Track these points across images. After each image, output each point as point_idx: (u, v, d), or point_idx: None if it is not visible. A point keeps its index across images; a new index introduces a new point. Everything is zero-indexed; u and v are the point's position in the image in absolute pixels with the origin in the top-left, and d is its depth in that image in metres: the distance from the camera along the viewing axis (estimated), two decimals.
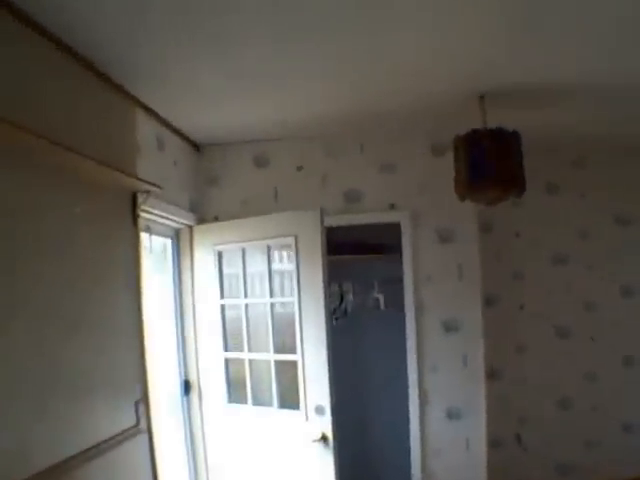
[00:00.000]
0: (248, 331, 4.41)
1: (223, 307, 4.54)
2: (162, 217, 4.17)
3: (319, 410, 4.00)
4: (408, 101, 4.10)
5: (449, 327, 4.69)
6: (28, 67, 2.63)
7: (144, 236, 3.89)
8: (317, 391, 4.02)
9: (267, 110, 4.20)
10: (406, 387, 4.77)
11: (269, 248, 4.30)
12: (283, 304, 4.45)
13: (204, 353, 4.61)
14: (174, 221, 4.42)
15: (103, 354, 3.14)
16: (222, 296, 4.54)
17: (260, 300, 4.47)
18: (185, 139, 4.65)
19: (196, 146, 4.87)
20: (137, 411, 3.44)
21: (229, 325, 4.55)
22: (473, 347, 4.67)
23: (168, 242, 4.63)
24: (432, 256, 4.71)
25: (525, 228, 5.53)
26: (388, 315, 5.48)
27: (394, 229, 4.76)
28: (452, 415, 4.69)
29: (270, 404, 4.31)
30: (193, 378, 4.64)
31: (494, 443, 4.95)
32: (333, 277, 4.10)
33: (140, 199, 3.60)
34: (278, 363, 4.27)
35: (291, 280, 4.22)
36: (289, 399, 4.23)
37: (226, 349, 4.53)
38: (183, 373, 4.64)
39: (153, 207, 3.85)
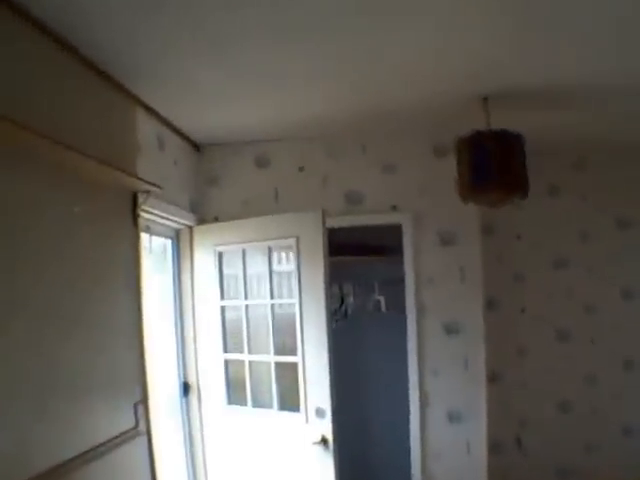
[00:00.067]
0: (248, 332, 4.39)
1: (223, 308, 4.52)
2: (162, 217, 4.15)
3: (319, 412, 3.97)
4: (410, 102, 4.08)
5: (450, 330, 4.67)
6: (28, 65, 2.61)
7: (144, 236, 3.87)
8: (317, 393, 3.99)
9: (268, 110, 4.18)
10: (406, 390, 4.74)
11: (270, 249, 4.28)
12: (283, 305, 4.41)
13: (203, 354, 4.59)
14: (174, 221, 4.40)
15: (103, 355, 3.12)
16: (222, 297, 4.52)
17: (260, 301, 4.44)
18: (185, 139, 4.63)
19: (196, 146, 4.85)
20: (136, 413, 3.41)
21: (229, 326, 4.53)
22: (474, 350, 4.65)
23: (168, 242, 4.60)
24: (434, 258, 4.69)
25: (526, 231, 5.50)
26: (389, 317, 5.46)
27: (395, 231, 4.73)
28: (453, 418, 4.67)
29: (270, 406, 4.29)
30: (192, 379, 4.62)
31: (494, 446, 4.92)
32: (333, 278, 4.09)
33: (140, 199, 3.58)
34: (278, 365, 4.25)
35: (292, 281, 4.20)
36: (289, 401, 4.21)
37: (226, 350, 4.50)
38: (182, 374, 4.61)
39: (153, 207, 3.82)
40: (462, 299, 4.67)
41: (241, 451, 4.42)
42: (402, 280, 4.76)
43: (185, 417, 4.61)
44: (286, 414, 4.23)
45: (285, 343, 4.26)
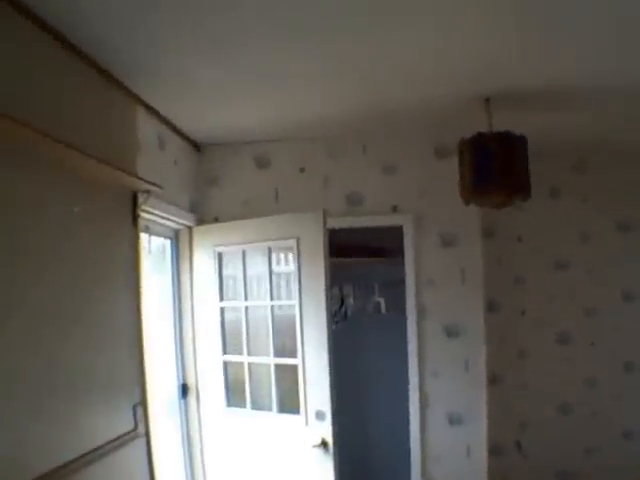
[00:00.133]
0: (248, 334, 4.36)
1: (222, 309, 4.50)
2: (162, 217, 4.13)
3: (319, 415, 3.95)
4: (411, 102, 4.06)
5: (451, 332, 4.65)
6: (28, 63, 2.58)
7: (143, 236, 3.84)
8: (317, 396, 3.97)
9: (268, 110, 4.17)
10: (407, 391, 4.72)
11: (270, 250, 4.26)
12: (283, 307, 4.39)
13: (203, 356, 4.57)
14: (174, 221, 4.38)
15: (101, 356, 3.10)
16: (222, 298, 4.50)
17: (260, 303, 4.41)
18: (186, 139, 4.60)
19: (196, 146, 4.82)
20: (135, 415, 3.39)
21: (228, 328, 4.50)
22: (475, 352, 4.63)
23: (167, 243, 4.58)
24: (434, 260, 4.67)
25: (527, 233, 5.48)
26: (389, 319, 5.45)
27: (396, 232, 4.71)
28: (453, 420, 4.65)
29: (269, 408, 4.27)
30: (191, 381, 4.59)
31: (494, 449, 4.90)
32: (333, 280, 4.06)
33: (140, 199, 3.55)
34: (278, 367, 4.23)
35: (292, 283, 4.18)
36: (289, 404, 4.19)
37: (225, 352, 4.48)
38: (181, 376, 4.58)
39: (153, 207, 3.80)
40: (463, 301, 4.64)
41: (240, 454, 4.39)
42: (402, 282, 4.74)
43: (184, 419, 4.59)
44: (286, 417, 4.20)
45: (285, 345, 4.23)
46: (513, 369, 5.46)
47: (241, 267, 4.38)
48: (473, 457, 4.63)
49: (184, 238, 4.60)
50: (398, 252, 4.77)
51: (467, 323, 4.64)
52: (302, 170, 4.79)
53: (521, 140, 3.72)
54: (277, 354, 4.22)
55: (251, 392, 4.36)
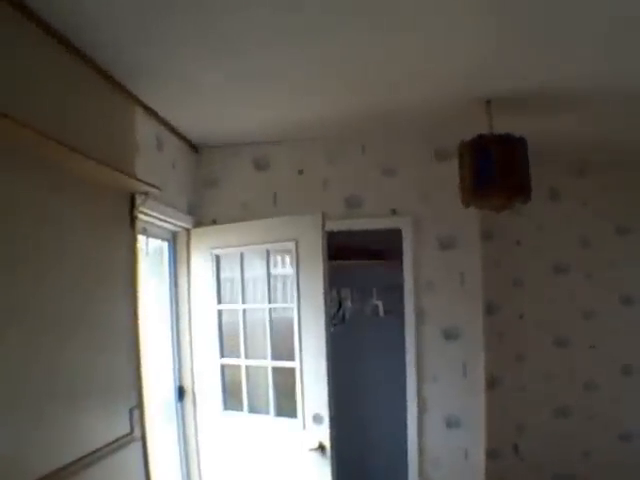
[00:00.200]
0: (245, 337, 4.34)
1: (220, 312, 4.48)
2: (159, 219, 4.11)
3: (317, 419, 3.93)
4: (411, 105, 4.05)
5: (449, 335, 4.62)
6: (27, 63, 2.57)
7: (140, 238, 3.82)
8: (315, 399, 3.95)
9: (267, 112, 4.15)
10: (404, 395, 4.70)
11: (268, 252, 4.24)
12: (281, 310, 4.36)
13: (199, 359, 4.55)
14: (171, 224, 4.36)
15: (99, 359, 3.08)
16: (219, 301, 4.48)
17: (258, 306, 4.39)
18: (184, 140, 4.58)
19: (195, 147, 4.80)
20: (131, 418, 3.37)
21: (226, 330, 4.48)
22: (473, 356, 4.61)
23: (165, 245, 4.55)
24: (433, 263, 4.64)
25: (526, 236, 5.49)
26: (387, 322, 5.44)
27: (395, 235, 4.69)
28: (451, 424, 4.62)
29: (266, 412, 4.25)
30: (188, 384, 4.56)
31: (492, 452, 4.88)
32: (331, 282, 4.04)
33: (138, 200, 3.53)
34: (275, 370, 4.21)
35: (290, 286, 4.16)
36: (286, 407, 4.17)
37: (222, 355, 4.46)
38: (178, 379, 4.56)
39: (151, 209, 3.78)
40: (461, 304, 4.62)
41: (237, 457, 4.36)
42: (400, 285, 4.72)
43: (180, 422, 4.56)
44: (283, 420, 4.18)
45: (282, 348, 4.20)
46: (511, 372, 5.45)
47: (239, 270, 4.36)
48: (471, 460, 4.60)
49: (182, 240, 4.58)
50: (396, 255, 4.75)
51: (465, 326, 4.62)
52: (301, 172, 4.77)
53: (521, 142, 3.71)
54: (274, 357, 4.20)
55: (248, 395, 4.34)
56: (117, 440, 3.17)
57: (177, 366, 4.55)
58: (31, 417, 2.48)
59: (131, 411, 3.37)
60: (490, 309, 5.20)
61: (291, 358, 4.09)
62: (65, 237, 2.84)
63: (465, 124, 3.83)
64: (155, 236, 4.32)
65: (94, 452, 2.91)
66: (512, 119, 3.85)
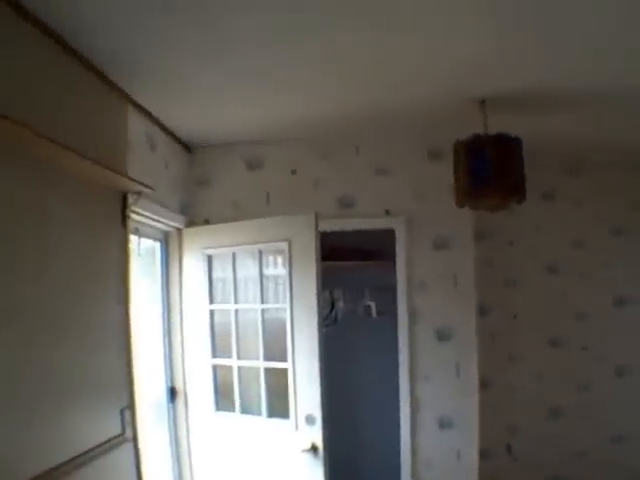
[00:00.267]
0: (237, 337, 4.32)
1: (212, 312, 4.46)
2: (152, 219, 4.09)
3: (309, 420, 3.92)
4: (405, 104, 4.03)
5: (442, 336, 4.62)
6: (18, 61, 2.53)
7: (133, 239, 3.79)
8: (308, 400, 3.94)
9: (260, 112, 4.14)
10: (397, 395, 4.69)
11: (260, 253, 4.22)
12: (273, 310, 4.34)
13: (191, 359, 4.53)
14: (163, 223, 4.33)
15: (90, 359, 3.05)
16: (211, 301, 4.46)
17: (250, 306, 4.37)
18: (177, 140, 4.56)
19: (187, 147, 4.78)
20: (123, 419, 3.34)
21: (218, 331, 4.46)
22: (466, 356, 4.61)
23: (157, 245, 4.53)
24: (426, 263, 4.64)
25: (519, 236, 5.48)
26: (380, 323, 5.43)
27: (387, 235, 4.68)
28: (444, 425, 4.62)
29: (259, 413, 4.24)
30: (179, 385, 4.54)
31: (485, 452, 4.87)
32: (324, 283, 4.03)
33: (130, 200, 3.50)
34: (268, 371, 4.19)
35: (283, 286, 4.14)
36: (278, 408, 4.15)
37: (214, 355, 4.44)
38: (169, 379, 4.53)
39: (143, 208, 3.76)
40: (454, 305, 4.62)
41: (229, 458, 4.35)
42: (393, 285, 4.71)
43: (172, 423, 4.54)
44: (275, 421, 4.17)
45: (275, 349, 4.18)
46: (504, 373, 5.44)
47: (231, 270, 4.35)
48: (463, 461, 4.60)
49: (174, 240, 4.56)
50: (389, 256, 4.74)
51: (458, 327, 4.62)
52: (294, 172, 4.76)
53: (516, 142, 3.70)
54: (267, 358, 4.18)
55: (240, 396, 4.32)
56: (109, 441, 3.14)
57: (169, 366, 4.53)
58: (22, 417, 2.46)
59: (122, 412, 3.34)
60: (483, 310, 5.18)
61: (283, 359, 4.07)
62: (57, 236, 2.81)
63: (459, 124, 3.82)
64: (147, 236, 4.30)
65: (86, 453, 2.89)
66: (507, 119, 3.84)
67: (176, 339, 4.53)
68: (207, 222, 4.71)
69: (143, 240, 4.30)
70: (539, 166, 4.64)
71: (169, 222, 4.35)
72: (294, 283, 4.01)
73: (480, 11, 2.72)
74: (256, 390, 4.24)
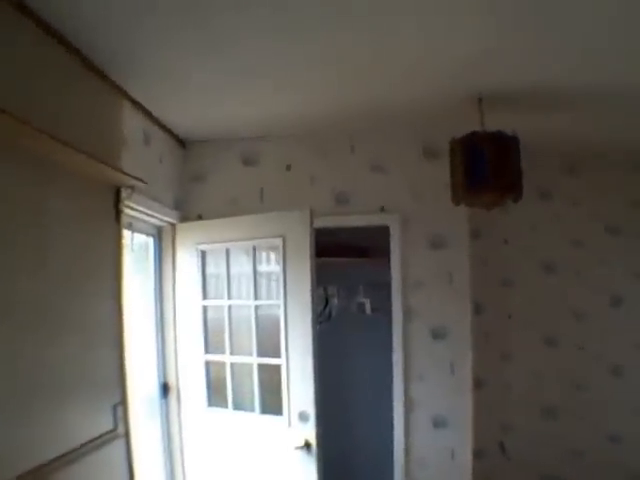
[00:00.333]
0: (230, 333, 4.31)
1: (205, 308, 4.44)
2: (145, 214, 4.07)
3: (303, 416, 3.90)
4: (402, 102, 4.03)
5: (437, 334, 4.60)
6: (12, 54, 2.52)
7: (126, 234, 3.77)
8: (301, 397, 3.92)
9: (255, 107, 4.13)
10: (391, 394, 4.67)
11: (254, 249, 4.20)
12: (267, 306, 4.32)
13: (184, 355, 4.51)
14: (157, 218, 4.31)
15: (83, 354, 3.04)
16: (204, 297, 4.44)
17: (244, 302, 4.36)
18: (171, 135, 4.54)
19: (182, 142, 4.76)
20: (115, 415, 3.32)
21: (211, 326, 4.45)
22: (461, 355, 4.59)
23: (150, 240, 4.51)
24: (421, 261, 4.62)
25: (514, 235, 5.46)
26: (374, 320, 5.42)
27: (382, 232, 4.66)
28: (438, 424, 4.60)
29: (251, 409, 4.21)
30: (172, 380, 4.52)
31: (479, 452, 4.86)
32: (318, 280, 4.00)
33: (124, 194, 3.48)
34: (261, 367, 4.17)
35: (276, 282, 4.12)
36: (271, 404, 4.13)
37: (207, 351, 4.42)
38: (162, 375, 4.52)
39: (137, 203, 3.74)
40: (449, 303, 4.60)
41: (221, 455, 4.33)
42: (388, 283, 4.69)
43: (164, 419, 4.53)
44: (268, 418, 4.15)
45: (268, 345, 4.17)
46: (499, 372, 5.43)
47: (224, 266, 4.33)
48: (457, 460, 4.58)
49: (167, 236, 4.54)
50: (384, 253, 4.72)
51: (453, 325, 4.60)
52: (289, 168, 4.73)
53: (513, 140, 3.69)
54: (260, 354, 4.17)
55: (233, 392, 4.31)
56: (101, 436, 3.13)
57: (161, 362, 4.51)
58: (15, 412, 2.44)
59: (115, 407, 3.33)
60: (478, 308, 5.16)
61: (277, 355, 4.06)
62: (52, 231, 2.80)
63: (456, 122, 3.81)
64: (140, 231, 4.27)
65: (78, 448, 2.88)
66: (504, 117, 3.83)
67: (169, 335, 4.51)
68: (201, 218, 4.69)
69: (136, 236, 4.27)
70: (537, 165, 4.64)
71: (163, 217, 4.33)
72: (288, 279, 3.99)
73: (479, 10, 2.72)
74: (249, 386, 4.22)
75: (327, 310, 5.73)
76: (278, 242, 4.04)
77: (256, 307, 4.21)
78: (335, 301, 5.75)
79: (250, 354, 4.20)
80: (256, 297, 4.22)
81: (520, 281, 5.47)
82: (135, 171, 3.55)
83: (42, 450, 2.60)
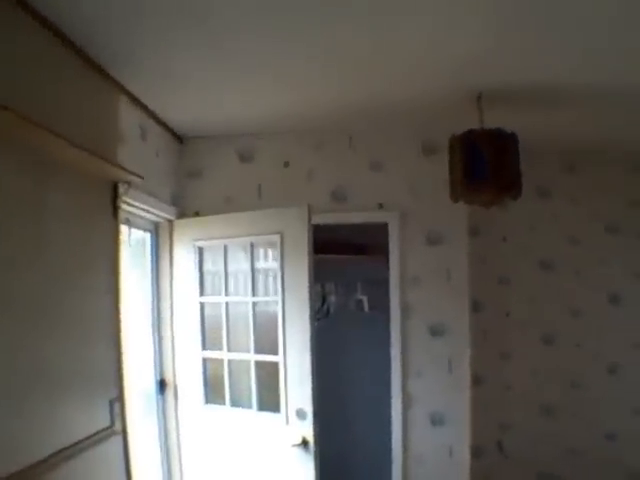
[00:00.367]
0: (228, 330, 4.29)
1: (202, 305, 4.43)
2: (142, 210, 4.05)
3: (300, 414, 3.89)
4: (401, 99, 4.02)
5: (435, 331, 4.59)
6: (9, 48, 2.50)
7: (123, 229, 3.75)
8: (299, 394, 3.91)
9: (253, 104, 4.12)
10: (389, 391, 4.66)
11: (252, 245, 4.19)
12: (264, 303, 4.31)
13: (181, 351, 4.49)
14: (154, 214, 4.29)
15: (80, 350, 3.03)
16: (202, 293, 4.42)
17: (241, 299, 4.35)
18: (168, 130, 4.52)
19: (179, 138, 4.74)
20: (112, 411, 3.31)
21: (208, 323, 4.43)
22: (459, 353, 4.58)
23: (147, 236, 4.49)
24: (419, 258, 4.61)
25: (512, 232, 5.45)
26: (372, 317, 5.41)
27: (380, 229, 4.66)
28: (435, 421, 4.60)
29: (249, 406, 4.21)
30: (169, 377, 4.51)
31: (477, 450, 4.86)
32: (316, 277, 4.00)
33: (121, 189, 3.46)
34: (258, 364, 4.16)
35: (274, 279, 4.11)
36: (269, 401, 4.12)
37: (204, 348, 4.41)
38: (159, 371, 4.50)
39: (134, 199, 3.72)
40: (448, 300, 4.59)
41: (218, 452, 4.32)
42: (386, 279, 4.69)
43: (161, 415, 4.51)
44: (266, 415, 4.14)
45: (265, 342, 4.15)
46: (497, 369, 5.42)
47: (222, 262, 4.31)
48: (455, 458, 4.58)
49: (164, 232, 4.52)
50: (382, 250, 4.71)
51: (451, 322, 4.59)
52: (286, 164, 4.72)
53: (512, 138, 3.68)
54: (257, 351, 4.15)
55: (230, 389, 4.29)
56: (98, 433, 3.12)
57: (158, 358, 4.50)
58: (11, 408, 2.43)
59: (112, 404, 3.31)
60: (476, 306, 5.16)
61: (274, 352, 4.04)
62: (48, 225, 2.79)
63: (454, 119, 3.81)
64: (137, 227, 4.25)
65: (75, 445, 2.87)
66: (503, 115, 3.81)
67: (166, 331, 4.50)
68: (198, 214, 4.66)
69: (133, 231, 4.25)
70: (536, 163, 4.63)
71: (160, 213, 4.31)
72: (286, 276, 3.98)
73: (480, 9, 2.72)
74: (246, 383, 4.21)
75: (325, 307, 5.72)
76: (276, 239, 4.03)
77: (254, 304, 4.19)
78: (333, 298, 5.75)
79: (247, 351, 4.18)
80: (254, 294, 4.20)
81: (518, 279, 5.46)
82: (132, 166, 3.54)
83: (38, 446, 2.59)
